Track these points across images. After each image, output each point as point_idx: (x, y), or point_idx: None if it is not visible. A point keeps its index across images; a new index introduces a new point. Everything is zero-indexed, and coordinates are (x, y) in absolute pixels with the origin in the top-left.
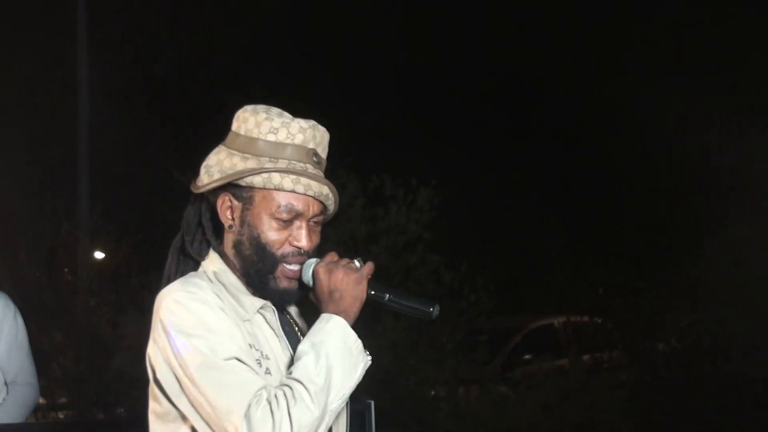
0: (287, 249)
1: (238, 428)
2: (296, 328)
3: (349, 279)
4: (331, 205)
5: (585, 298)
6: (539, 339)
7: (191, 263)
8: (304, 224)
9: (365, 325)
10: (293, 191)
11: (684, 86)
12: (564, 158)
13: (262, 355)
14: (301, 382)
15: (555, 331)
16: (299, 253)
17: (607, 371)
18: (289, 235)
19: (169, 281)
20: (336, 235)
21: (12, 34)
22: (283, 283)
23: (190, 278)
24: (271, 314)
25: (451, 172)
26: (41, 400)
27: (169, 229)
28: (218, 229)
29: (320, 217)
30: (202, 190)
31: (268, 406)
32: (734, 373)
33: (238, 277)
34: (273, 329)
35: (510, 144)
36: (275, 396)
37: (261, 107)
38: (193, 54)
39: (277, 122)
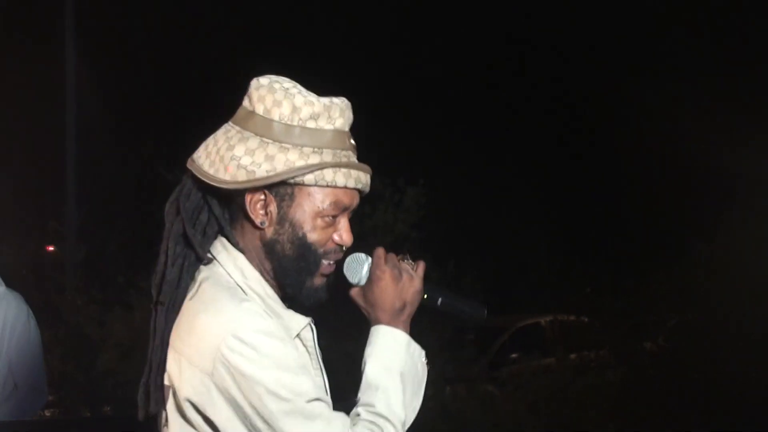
0: (330, 246)
1: None
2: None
3: (413, 288)
4: (368, 190)
5: (572, 297)
6: (526, 338)
7: (193, 255)
8: (345, 218)
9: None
10: (345, 186)
11: (675, 87)
12: (552, 158)
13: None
14: (387, 419)
15: (542, 330)
16: (341, 250)
17: (594, 370)
18: (333, 232)
19: (164, 274)
20: None
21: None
22: (318, 281)
23: (236, 300)
24: (308, 331)
25: (438, 172)
26: None
27: (156, 228)
28: (236, 223)
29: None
30: (234, 187)
31: None
32: (721, 372)
33: (270, 285)
34: (306, 347)
35: (498, 144)
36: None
37: (285, 84)
38: (180, 52)
39: (316, 105)
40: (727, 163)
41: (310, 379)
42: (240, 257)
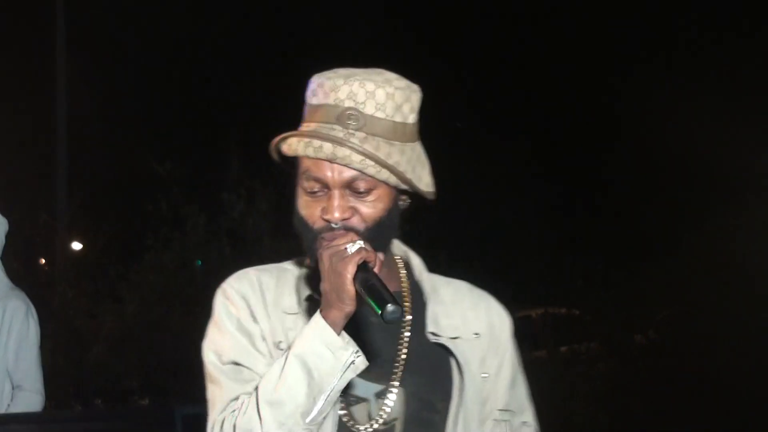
0: (321, 224)
1: None
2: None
3: (331, 268)
4: (370, 168)
5: (563, 289)
6: (517, 331)
7: None
8: (335, 193)
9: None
10: (306, 156)
11: (666, 81)
12: (543, 152)
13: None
14: (256, 393)
15: (533, 322)
16: (332, 228)
17: (584, 363)
18: (324, 208)
19: None
20: None
21: None
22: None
23: (260, 266)
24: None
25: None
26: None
27: (146, 219)
28: None
29: (367, 184)
30: (275, 158)
31: (222, 421)
32: (712, 364)
33: (308, 263)
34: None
35: (488, 138)
36: (236, 408)
37: (331, 70)
38: (171, 46)
39: (316, 83)
40: (718, 159)
41: (243, 344)
42: None
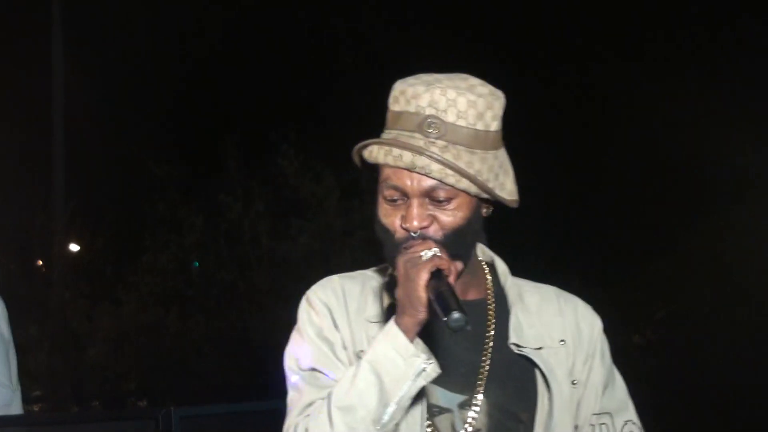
0: (401, 233)
1: None
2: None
3: (406, 275)
4: (450, 177)
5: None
6: None
7: None
8: (413, 202)
9: None
10: (386, 164)
11: (663, 83)
12: (542, 151)
13: None
14: (329, 398)
15: None
16: (412, 237)
17: None
18: (404, 216)
19: None
20: (311, 228)
21: None
22: None
23: (345, 273)
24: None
25: None
26: None
27: (144, 221)
28: None
29: (447, 193)
30: (358, 166)
31: (294, 425)
32: (709, 364)
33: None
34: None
35: None
36: (310, 412)
37: (414, 76)
38: (168, 48)
39: (398, 89)
40: (715, 161)
41: (324, 351)
42: None
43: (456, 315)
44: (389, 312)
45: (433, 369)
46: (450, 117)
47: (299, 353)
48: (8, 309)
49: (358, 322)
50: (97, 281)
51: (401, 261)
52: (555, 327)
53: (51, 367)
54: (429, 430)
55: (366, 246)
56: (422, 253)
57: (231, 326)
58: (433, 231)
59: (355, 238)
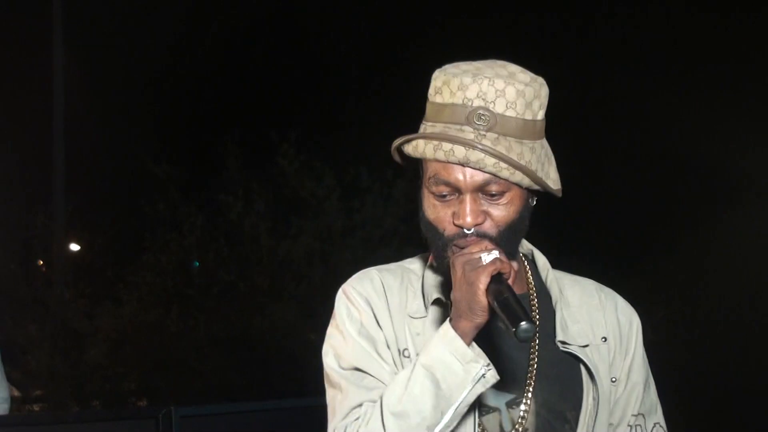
0: (453, 230)
1: None
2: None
3: (463, 278)
4: (504, 171)
5: None
6: None
7: None
8: (466, 198)
9: None
10: (436, 159)
11: (663, 83)
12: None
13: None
14: (380, 403)
15: None
16: (465, 234)
17: None
18: (455, 212)
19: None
20: (311, 228)
21: None
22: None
23: (381, 266)
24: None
25: None
26: (15, 393)
27: (144, 220)
28: None
29: (499, 187)
30: (397, 160)
31: (344, 428)
32: (710, 365)
33: (432, 263)
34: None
35: None
36: (353, 419)
37: (454, 64)
38: (168, 47)
39: (440, 80)
40: (714, 161)
41: (367, 350)
42: None
43: (525, 325)
44: (438, 308)
45: (492, 375)
46: (499, 107)
47: (340, 351)
48: (8, 309)
49: (400, 318)
50: (97, 281)
51: (459, 262)
52: (597, 323)
53: (51, 367)
54: (479, 429)
55: (366, 245)
56: (482, 255)
57: (231, 326)
58: (488, 227)
59: (356, 237)
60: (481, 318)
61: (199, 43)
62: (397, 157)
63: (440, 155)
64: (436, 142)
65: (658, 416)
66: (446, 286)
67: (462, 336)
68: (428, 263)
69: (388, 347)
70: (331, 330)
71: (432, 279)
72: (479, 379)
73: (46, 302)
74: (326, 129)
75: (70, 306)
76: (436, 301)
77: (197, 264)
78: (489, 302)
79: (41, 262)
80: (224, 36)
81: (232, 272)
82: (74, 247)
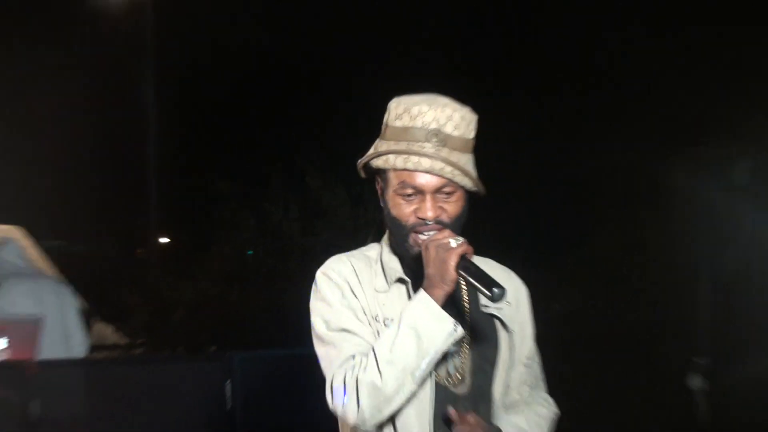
0: (413, 220)
1: (327, 394)
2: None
3: (437, 257)
4: (457, 176)
5: None
6: None
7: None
8: (427, 197)
9: None
10: (405, 168)
11: (571, 103)
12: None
13: (390, 322)
14: (374, 350)
15: None
16: (425, 224)
17: None
18: (417, 209)
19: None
20: (330, 229)
21: (88, 54)
22: (414, 249)
23: (346, 253)
24: (409, 286)
25: None
26: (123, 341)
27: (213, 222)
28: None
29: (451, 188)
30: (361, 172)
31: (343, 374)
32: (627, 356)
33: (395, 252)
34: (410, 299)
35: None
36: (350, 367)
37: (406, 96)
38: (231, 92)
39: (401, 108)
40: (616, 170)
41: (348, 316)
42: (388, 232)
43: (497, 290)
44: (398, 284)
45: (460, 331)
46: (449, 129)
47: (327, 317)
48: (120, 283)
49: (369, 291)
50: (180, 264)
51: (432, 245)
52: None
53: (149, 324)
54: (433, 374)
55: (366, 240)
56: (450, 240)
57: (274, 296)
58: (444, 218)
59: (359, 235)
60: (449, 287)
61: (256, 88)
62: (361, 172)
63: (410, 165)
64: (405, 156)
65: (538, 357)
66: (404, 267)
67: (437, 301)
68: (381, 250)
69: (364, 313)
70: (315, 303)
71: (390, 261)
72: (452, 333)
73: (145, 279)
74: (339, 157)
75: (161, 282)
76: (398, 279)
77: (250, 252)
78: (457, 275)
79: (140, 249)
80: (276, 82)
81: (274, 259)
82: (164, 240)
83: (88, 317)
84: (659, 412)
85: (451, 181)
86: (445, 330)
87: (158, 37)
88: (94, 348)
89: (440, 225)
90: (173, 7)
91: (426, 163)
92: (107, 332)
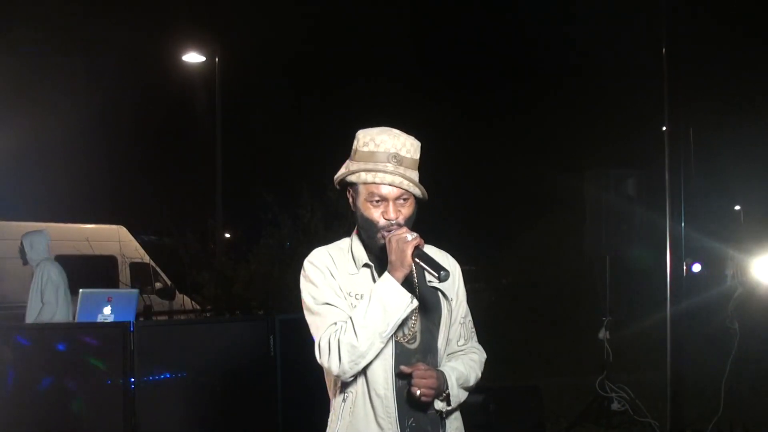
0: (383, 222)
1: (317, 352)
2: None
3: (398, 247)
4: (411, 188)
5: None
6: None
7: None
8: (390, 204)
9: None
10: (374, 182)
11: (498, 140)
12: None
13: (360, 297)
14: (351, 318)
15: None
16: (392, 224)
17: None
18: (383, 212)
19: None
20: (344, 227)
21: (176, 104)
22: (381, 242)
23: (325, 246)
24: (373, 270)
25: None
26: (193, 305)
27: (261, 222)
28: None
29: (406, 196)
30: (337, 185)
31: (328, 336)
32: (554, 316)
33: (362, 244)
34: (374, 279)
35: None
36: (333, 331)
37: (369, 129)
38: (270, 128)
39: (368, 138)
40: (535, 187)
41: (330, 293)
42: (355, 229)
43: (443, 273)
44: (365, 268)
45: (415, 302)
46: (404, 152)
47: (314, 294)
48: (197, 267)
49: (343, 274)
50: (238, 253)
51: (394, 239)
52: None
53: (215, 295)
54: (393, 335)
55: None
56: (407, 235)
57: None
58: (401, 219)
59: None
60: (407, 270)
61: (289, 129)
62: (337, 186)
63: (377, 179)
64: (374, 173)
65: (470, 317)
66: (369, 255)
67: (397, 281)
68: (351, 242)
69: (341, 290)
70: (305, 284)
71: (358, 251)
72: (409, 304)
73: (213, 263)
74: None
75: (224, 265)
76: (365, 264)
77: (288, 244)
78: (413, 261)
79: (212, 245)
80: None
81: (305, 249)
82: (227, 235)
83: (174, 291)
84: (578, 354)
85: (406, 191)
86: (404, 302)
87: (223, 88)
88: (178, 311)
89: (399, 224)
90: (236, 72)
91: (388, 178)
92: (187, 301)
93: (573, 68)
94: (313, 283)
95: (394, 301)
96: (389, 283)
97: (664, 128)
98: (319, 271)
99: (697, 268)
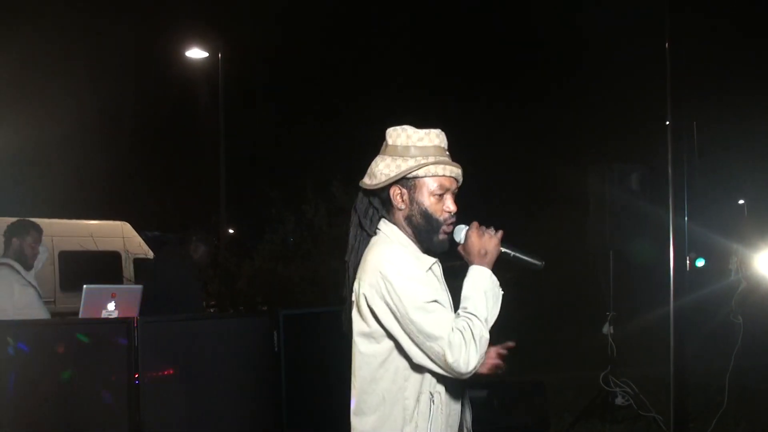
0: (444, 215)
1: (444, 349)
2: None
3: (491, 241)
4: (461, 179)
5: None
6: None
7: (365, 235)
8: (449, 196)
9: None
10: (443, 175)
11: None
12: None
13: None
14: (476, 315)
15: None
16: (451, 216)
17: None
18: (443, 205)
19: (353, 248)
20: (346, 222)
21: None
22: (441, 237)
23: (387, 245)
24: (437, 267)
25: None
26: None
27: (265, 219)
28: (389, 208)
29: (456, 187)
30: (379, 186)
31: (460, 333)
32: (561, 311)
33: (412, 241)
34: (437, 277)
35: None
36: (463, 326)
37: (403, 126)
38: (272, 135)
39: (420, 132)
40: (538, 180)
41: (432, 290)
42: (392, 227)
43: (540, 262)
44: (432, 266)
45: (501, 291)
46: (443, 145)
47: (419, 293)
48: (198, 265)
49: (420, 270)
50: (242, 248)
51: (478, 233)
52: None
53: (219, 290)
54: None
55: None
56: (490, 230)
57: (309, 271)
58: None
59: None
60: (493, 261)
61: (294, 128)
62: (382, 183)
63: (447, 172)
64: (442, 166)
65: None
66: (429, 252)
67: (492, 273)
68: (401, 240)
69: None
70: (403, 283)
71: (414, 249)
72: (501, 294)
73: (218, 259)
74: (353, 172)
75: (228, 261)
76: (431, 263)
77: (291, 240)
78: (501, 253)
79: (215, 239)
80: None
81: (307, 244)
82: (231, 231)
83: None
84: (582, 349)
85: (457, 182)
86: (500, 292)
87: (228, 86)
88: None
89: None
90: (239, 69)
91: (456, 169)
92: None
93: (576, 62)
94: (414, 280)
95: (497, 293)
96: (491, 278)
97: (667, 122)
98: (406, 271)
99: (700, 262)
